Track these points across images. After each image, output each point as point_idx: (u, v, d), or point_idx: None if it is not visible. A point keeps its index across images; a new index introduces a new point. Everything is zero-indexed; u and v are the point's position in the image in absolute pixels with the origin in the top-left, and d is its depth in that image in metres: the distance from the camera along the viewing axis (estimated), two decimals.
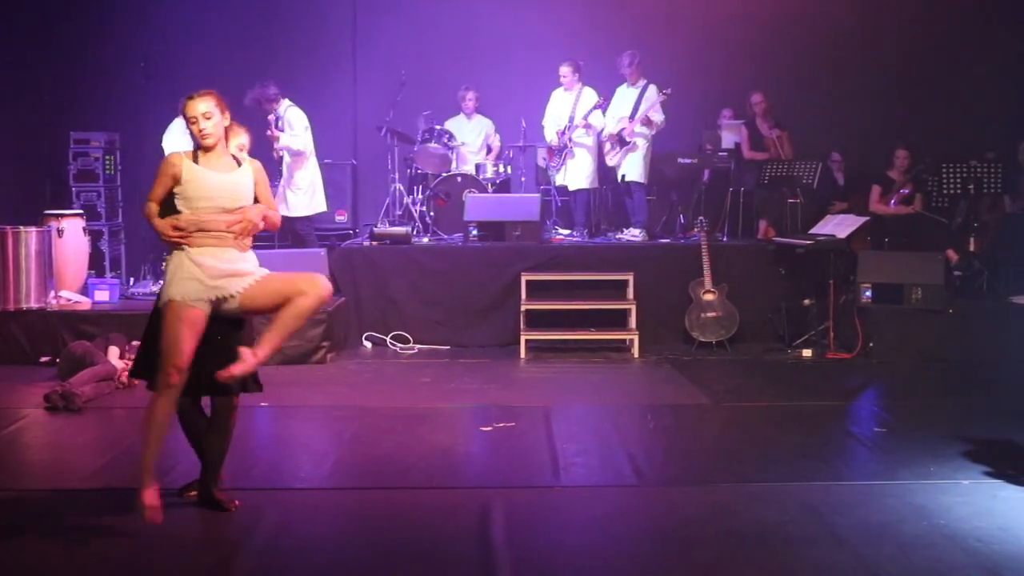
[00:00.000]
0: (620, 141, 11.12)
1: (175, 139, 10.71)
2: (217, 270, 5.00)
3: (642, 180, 11.19)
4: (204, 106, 5.11)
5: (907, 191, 10.78)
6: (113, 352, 8.41)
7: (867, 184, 11.14)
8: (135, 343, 8.73)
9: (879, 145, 11.41)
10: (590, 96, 11.27)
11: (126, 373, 7.91)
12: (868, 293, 9.71)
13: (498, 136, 12.00)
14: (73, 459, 6.37)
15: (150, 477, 4.92)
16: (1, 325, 9.19)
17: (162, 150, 10.93)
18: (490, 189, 11.35)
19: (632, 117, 11.06)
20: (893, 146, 11.00)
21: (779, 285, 10.29)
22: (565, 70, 11.33)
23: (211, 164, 5.13)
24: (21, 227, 9.38)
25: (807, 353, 9.69)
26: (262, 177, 5.30)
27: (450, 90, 11.97)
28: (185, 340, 4.89)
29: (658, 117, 11.05)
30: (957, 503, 5.33)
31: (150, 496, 4.88)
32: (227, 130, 5.25)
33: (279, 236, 10.25)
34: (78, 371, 7.95)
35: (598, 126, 11.28)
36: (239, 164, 5.24)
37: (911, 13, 12.36)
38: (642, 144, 11.12)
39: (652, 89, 11.07)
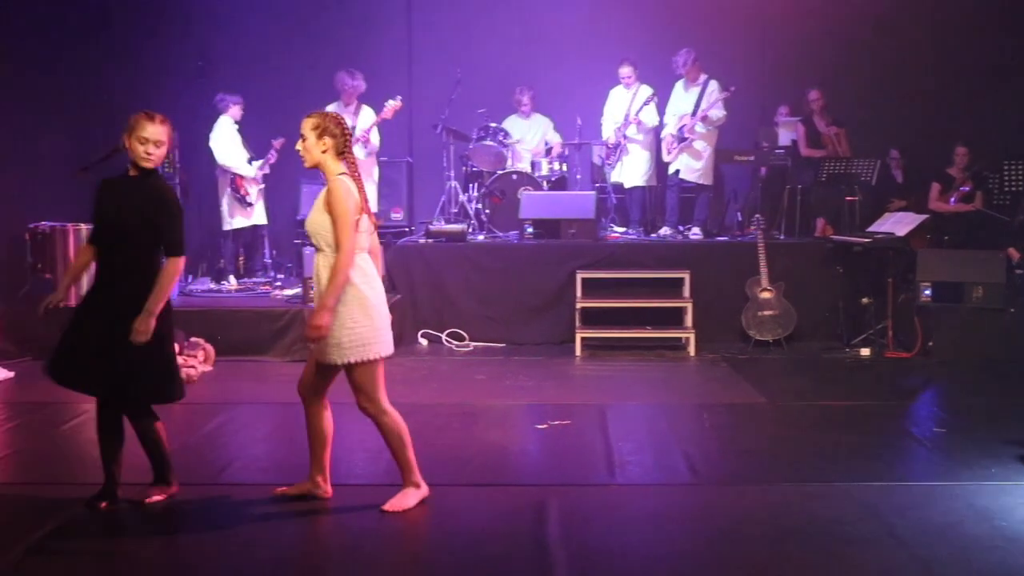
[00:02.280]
0: (680, 138, 11.08)
1: (225, 140, 10.84)
2: None
3: (703, 182, 11.18)
4: (304, 126, 5.05)
5: (967, 188, 10.64)
6: None
7: (927, 181, 11.02)
8: (193, 339, 8.85)
9: (939, 142, 11.25)
10: (645, 93, 11.27)
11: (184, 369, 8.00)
12: (928, 291, 9.60)
13: (558, 134, 11.98)
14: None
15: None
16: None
17: (209, 150, 11.03)
18: (545, 187, 11.35)
19: (694, 114, 11.02)
20: (953, 143, 10.87)
21: (837, 283, 10.21)
22: (627, 70, 11.34)
23: None
24: (82, 224, 9.50)
25: (865, 352, 9.62)
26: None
27: (505, 88, 11.98)
28: None
29: (718, 114, 11.00)
30: (1019, 505, 5.26)
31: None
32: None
33: None
34: None
35: (649, 123, 11.25)
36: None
37: (970, 8, 12.17)
38: (702, 145, 11.08)
39: (714, 84, 11.03)
